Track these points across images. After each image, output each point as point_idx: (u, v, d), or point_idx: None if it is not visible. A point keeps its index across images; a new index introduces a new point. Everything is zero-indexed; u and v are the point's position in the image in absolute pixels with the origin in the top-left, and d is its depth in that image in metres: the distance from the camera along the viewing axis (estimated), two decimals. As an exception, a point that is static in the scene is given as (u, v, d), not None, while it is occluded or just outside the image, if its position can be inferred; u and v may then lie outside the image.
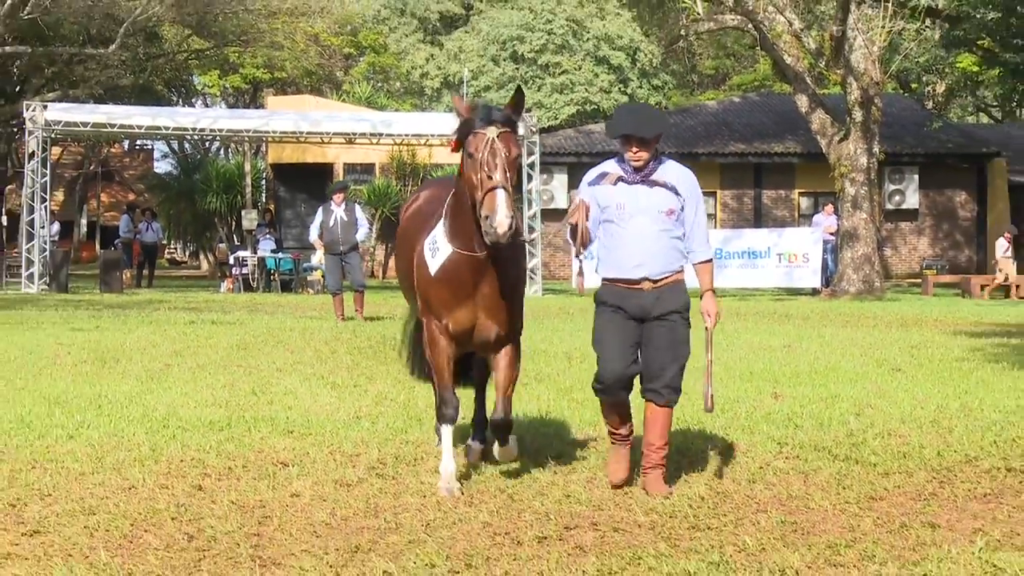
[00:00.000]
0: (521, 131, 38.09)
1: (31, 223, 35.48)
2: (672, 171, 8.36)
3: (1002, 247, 37.71)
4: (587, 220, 8.09)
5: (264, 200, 51.70)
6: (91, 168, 74.33)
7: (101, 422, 10.56)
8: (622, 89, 69.01)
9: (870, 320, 24.56)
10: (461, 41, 70.74)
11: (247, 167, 53.14)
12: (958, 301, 33.67)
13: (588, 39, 68.59)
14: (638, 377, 8.26)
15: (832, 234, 36.14)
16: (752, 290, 35.69)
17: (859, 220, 34.21)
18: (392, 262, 40.34)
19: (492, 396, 8.63)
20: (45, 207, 35.89)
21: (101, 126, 37.71)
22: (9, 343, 17.88)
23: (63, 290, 34.22)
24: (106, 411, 11.18)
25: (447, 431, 8.30)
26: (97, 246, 72.14)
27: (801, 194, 46.35)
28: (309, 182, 45.86)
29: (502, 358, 8.41)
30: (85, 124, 37.22)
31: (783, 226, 42.15)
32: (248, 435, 10.05)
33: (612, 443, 8.45)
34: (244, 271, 37.83)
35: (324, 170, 46.00)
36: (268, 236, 40.40)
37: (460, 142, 8.03)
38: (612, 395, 8.23)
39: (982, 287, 36.55)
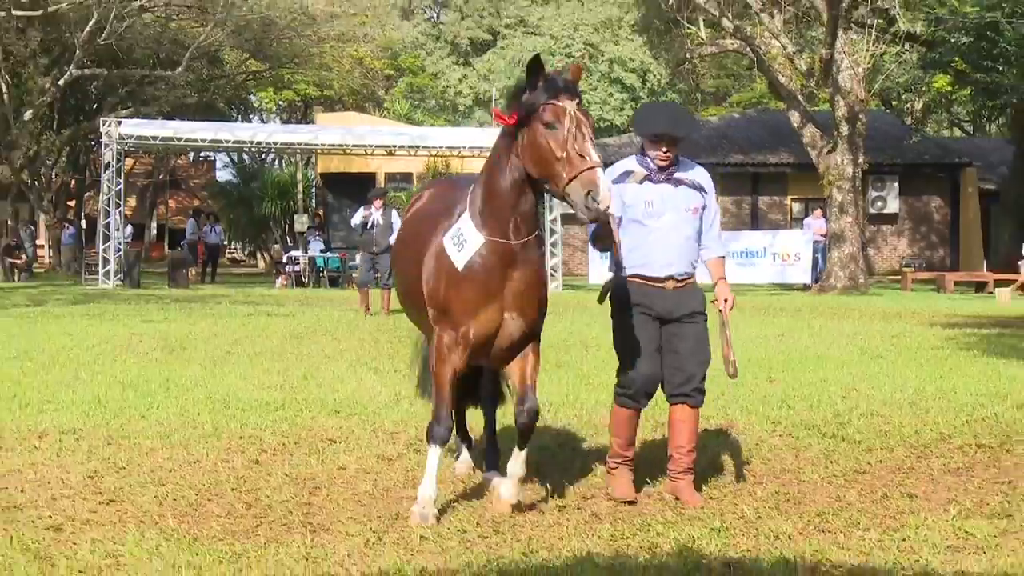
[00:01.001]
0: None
1: (107, 226, 35.61)
2: (693, 170, 7.69)
3: None
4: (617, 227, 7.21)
5: (314, 205, 51.80)
6: (160, 177, 74.41)
7: (169, 403, 10.59)
8: (633, 107, 68.95)
9: (855, 313, 24.49)
10: (490, 63, 70.79)
11: (299, 176, 53.39)
12: (934, 296, 33.56)
13: (603, 61, 68.63)
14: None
15: (821, 236, 36.06)
16: (749, 286, 35.58)
17: (845, 223, 34.13)
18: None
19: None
20: (119, 212, 36.01)
21: (169, 139, 37.88)
22: (87, 333, 17.93)
23: (135, 286, 34.30)
24: (174, 393, 11.21)
25: (435, 452, 6.84)
26: (165, 246, 72.32)
27: (793, 200, 46.22)
28: (354, 189, 45.83)
29: (528, 351, 6.98)
30: (155, 138, 37.37)
31: (777, 229, 42.01)
32: (300, 415, 10.07)
33: (616, 466, 7.43)
34: (296, 269, 37.90)
35: (367, 179, 45.94)
36: (317, 237, 40.51)
37: (524, 112, 6.60)
38: (636, 401, 7.39)
39: (966, 282, 36.34)
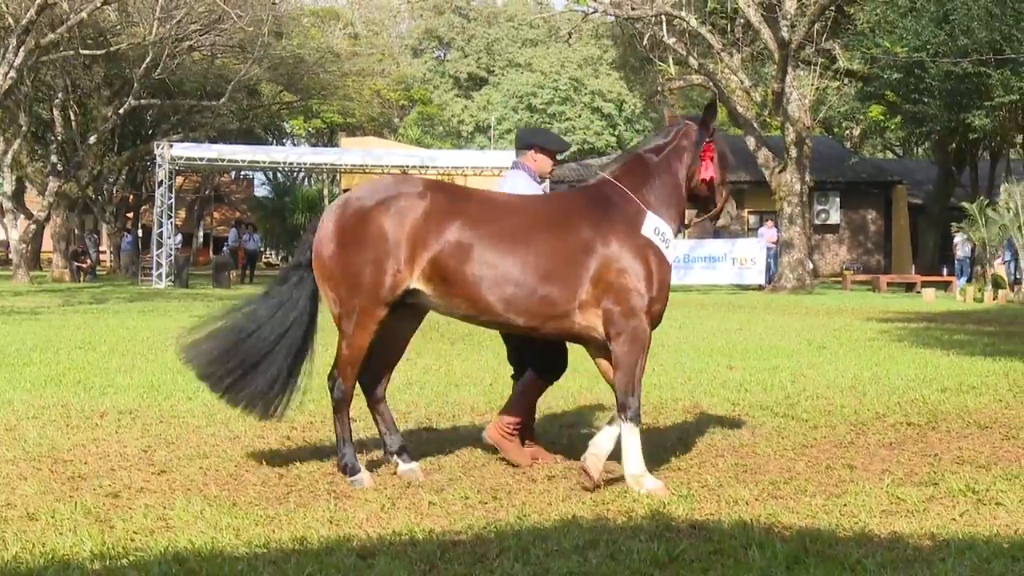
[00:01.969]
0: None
1: (160, 235, 35.63)
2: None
3: None
4: None
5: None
6: (206, 192, 74.28)
7: (213, 387, 10.56)
8: (611, 132, 69.06)
9: (802, 309, 24.49)
10: (488, 96, 70.95)
11: (325, 192, 53.37)
12: (870, 295, 33.56)
13: (586, 93, 68.80)
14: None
15: (773, 243, 36.07)
16: (711, 286, 35.59)
17: (794, 232, 34.14)
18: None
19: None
20: (171, 222, 36.04)
21: (214, 160, 37.99)
22: (143, 326, 17.91)
23: (184, 286, 34.28)
24: (217, 378, 11.17)
25: (635, 431, 6.55)
26: (210, 252, 72.21)
27: (750, 212, 46.19)
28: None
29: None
30: (201, 159, 37.47)
31: (736, 237, 41.99)
32: (325, 398, 9.93)
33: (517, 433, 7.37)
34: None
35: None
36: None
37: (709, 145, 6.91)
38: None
39: (887, 284, 36.36)
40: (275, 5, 43.30)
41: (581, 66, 70.30)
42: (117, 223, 50.39)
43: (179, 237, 41.93)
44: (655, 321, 6.73)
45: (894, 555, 5.10)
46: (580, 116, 68.78)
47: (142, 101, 41.86)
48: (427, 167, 37.65)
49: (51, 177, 39.39)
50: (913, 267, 42.73)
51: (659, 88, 41.55)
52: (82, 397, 9.90)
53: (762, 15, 33.85)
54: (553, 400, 9.45)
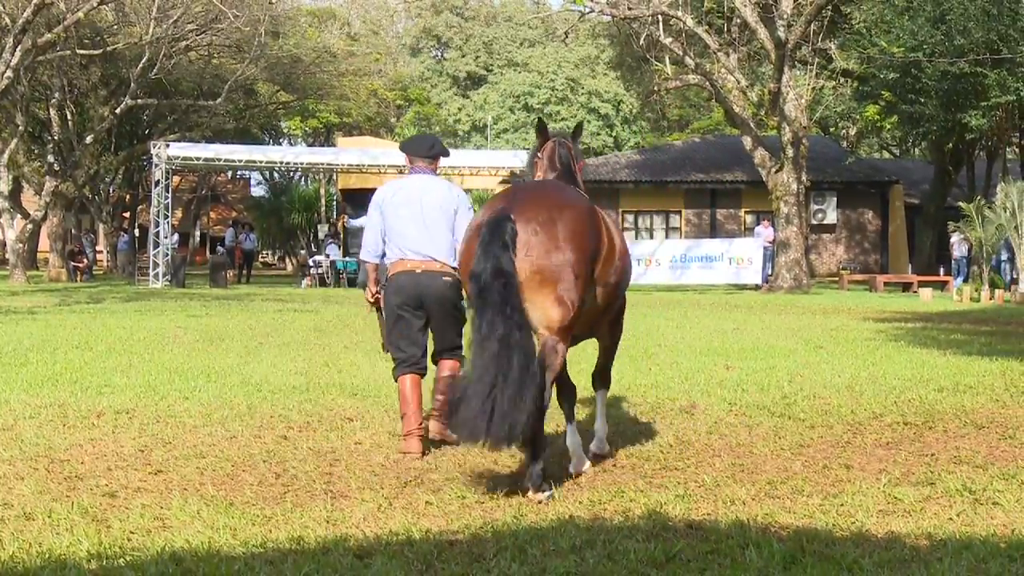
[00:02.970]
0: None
1: (157, 234, 35.62)
2: None
3: None
4: None
5: (335, 216, 51.71)
6: (202, 192, 74.20)
7: (209, 387, 10.57)
8: (608, 132, 69.08)
9: (799, 309, 24.50)
10: (485, 95, 70.98)
11: (322, 192, 53.29)
12: (866, 295, 33.56)
13: (582, 93, 68.83)
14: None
15: (770, 243, 36.08)
16: (709, 286, 35.61)
17: (791, 232, 34.14)
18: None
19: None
20: (168, 222, 36.02)
21: (210, 160, 37.94)
22: (139, 326, 17.90)
23: (181, 286, 34.26)
24: (213, 379, 11.18)
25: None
26: (207, 252, 72.16)
27: (747, 212, 46.21)
28: (369, 203, 45.90)
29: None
30: (198, 158, 37.45)
31: (733, 237, 42.01)
32: (322, 397, 10.05)
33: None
34: (320, 271, 37.86)
35: (381, 194, 45.99)
36: (332, 243, 40.54)
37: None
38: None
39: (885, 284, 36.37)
40: (272, 5, 43.31)
41: (578, 66, 70.41)
42: (114, 223, 50.33)
43: (176, 237, 41.91)
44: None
45: (891, 555, 5.10)
46: (576, 116, 68.81)
47: (139, 101, 41.82)
48: (424, 167, 37.65)
49: (48, 177, 39.33)
50: (910, 267, 42.72)
51: (656, 88, 41.54)
52: (79, 397, 9.89)
53: (758, 15, 33.86)
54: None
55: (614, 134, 69.78)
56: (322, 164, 40.58)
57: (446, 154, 8.30)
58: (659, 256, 36.05)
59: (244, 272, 41.82)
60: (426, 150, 8.17)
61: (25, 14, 30.92)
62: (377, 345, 14.48)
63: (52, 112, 43.13)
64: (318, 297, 28.82)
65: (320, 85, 52.04)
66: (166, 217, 35.95)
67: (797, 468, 7.12)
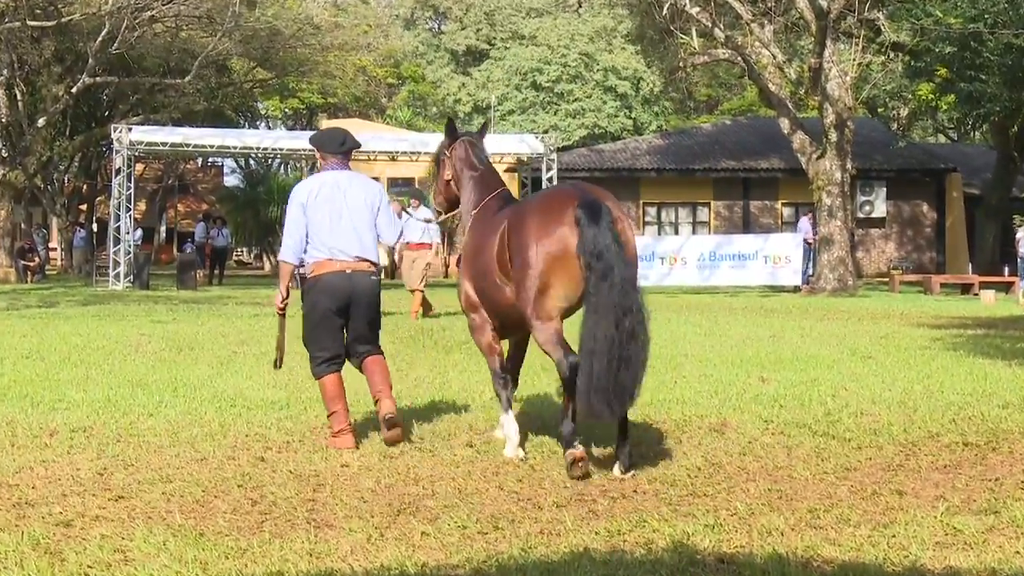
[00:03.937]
0: (541, 149, 38.15)
1: (117, 229, 35.65)
2: None
3: None
4: None
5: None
6: (169, 182, 74.52)
7: (177, 402, 10.58)
8: (627, 114, 69.07)
9: (844, 314, 24.47)
10: (488, 72, 70.95)
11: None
12: (921, 297, 33.54)
13: (598, 70, 68.74)
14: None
15: (810, 239, 36.10)
16: (741, 288, 35.61)
17: (834, 227, 34.13)
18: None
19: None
20: (129, 216, 36.04)
21: (178, 145, 38.01)
22: (98, 333, 17.92)
23: (144, 288, 34.31)
24: (181, 393, 11.19)
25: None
26: (174, 249, 72.33)
27: (784, 204, 46.25)
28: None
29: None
30: (164, 144, 37.50)
31: (769, 232, 42.02)
32: (304, 413, 10.05)
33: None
34: (300, 270, 37.75)
35: (370, 183, 46.06)
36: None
37: None
38: None
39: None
40: (247, -31, 43.31)
41: (593, 39, 70.32)
42: (69, 216, 50.49)
43: (139, 232, 42.03)
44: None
45: (949, 593, 5.09)
46: (591, 96, 68.78)
47: (97, 79, 41.92)
48: (419, 152, 37.71)
49: (-6, 165, 39.43)
50: (970, 266, 42.68)
51: (681, 64, 41.49)
52: (29, 414, 9.90)
53: (798, -19, 33.86)
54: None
55: (633, 116, 69.74)
56: (304, 150, 40.58)
57: (358, 146, 9.14)
58: (685, 254, 36.07)
59: (216, 272, 41.86)
60: (338, 145, 9.00)
61: (-31, -19, 30.97)
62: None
63: (-1, 92, 43.23)
64: (299, 300, 28.83)
65: (302, 61, 52.09)
66: (128, 210, 36.00)
67: (842, 494, 7.11)
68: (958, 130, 59.87)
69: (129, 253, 35.62)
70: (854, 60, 34.80)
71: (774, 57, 35.66)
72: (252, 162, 63.95)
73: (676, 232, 45.15)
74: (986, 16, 31.54)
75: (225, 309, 24.71)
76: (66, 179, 52.56)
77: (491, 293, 8.25)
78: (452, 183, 9.19)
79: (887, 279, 40.71)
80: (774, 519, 6.42)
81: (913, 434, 9.15)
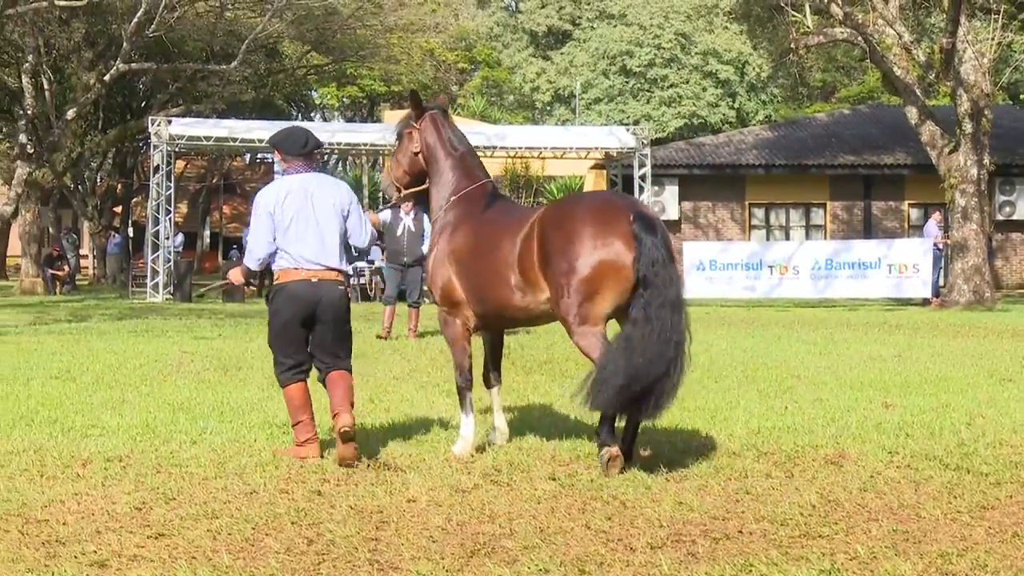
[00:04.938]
0: (632, 143, 38.11)
1: (156, 235, 36.01)
2: None
3: None
4: None
5: (379, 210, 51.96)
6: (214, 181, 75.06)
7: (223, 428, 10.67)
8: (730, 104, 68.81)
9: (980, 331, 24.23)
10: (571, 55, 70.94)
11: (364, 180, 53.48)
12: (1069, 312, 33.11)
13: (696, 53, 68.49)
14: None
15: (941, 244, 35.81)
16: (862, 301, 35.36)
17: (969, 231, 33.81)
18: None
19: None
20: (169, 219, 36.43)
21: (223, 140, 38.25)
22: (135, 351, 18.11)
23: (187, 300, 34.64)
24: (228, 417, 11.29)
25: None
26: (219, 257, 72.94)
27: (911, 205, 45.87)
28: (425, 195, 46.03)
29: None
30: (208, 138, 37.74)
31: (893, 237, 41.69)
32: (366, 441, 10.08)
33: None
34: (361, 281, 37.94)
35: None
36: (376, 244, 40.64)
37: None
38: None
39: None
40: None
41: (691, 17, 70.18)
42: (102, 220, 51.06)
43: (180, 238, 42.46)
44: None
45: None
46: (688, 82, 68.66)
47: (133, 65, 42.32)
48: (494, 147, 37.76)
49: (19, 162, 39.79)
50: None
51: (792, 46, 41.31)
52: (60, 441, 10.02)
53: (927, -50, 33.65)
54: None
55: (737, 105, 69.55)
56: (364, 145, 40.83)
57: (320, 145, 9.86)
58: (797, 262, 35.88)
59: (267, 283, 42.11)
60: (300, 147, 9.60)
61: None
62: (435, 378, 14.55)
63: (24, 80, 43.54)
64: (360, 315, 28.91)
65: (361, 44, 52.30)
66: (167, 213, 36.40)
67: (978, 536, 7.06)
68: (1113, 119, 59.14)
69: (169, 261, 36.00)
70: (993, 39, 34.47)
71: (900, 37, 35.38)
72: (306, 158, 64.35)
73: (787, 237, 44.92)
74: None
75: (276, 324, 24.83)
76: (98, 178, 53.20)
77: (490, 292, 9.10)
78: (421, 157, 10.07)
79: (1030, 291, 40.30)
80: (899, 564, 6.39)
81: (1060, 468, 9.07)
